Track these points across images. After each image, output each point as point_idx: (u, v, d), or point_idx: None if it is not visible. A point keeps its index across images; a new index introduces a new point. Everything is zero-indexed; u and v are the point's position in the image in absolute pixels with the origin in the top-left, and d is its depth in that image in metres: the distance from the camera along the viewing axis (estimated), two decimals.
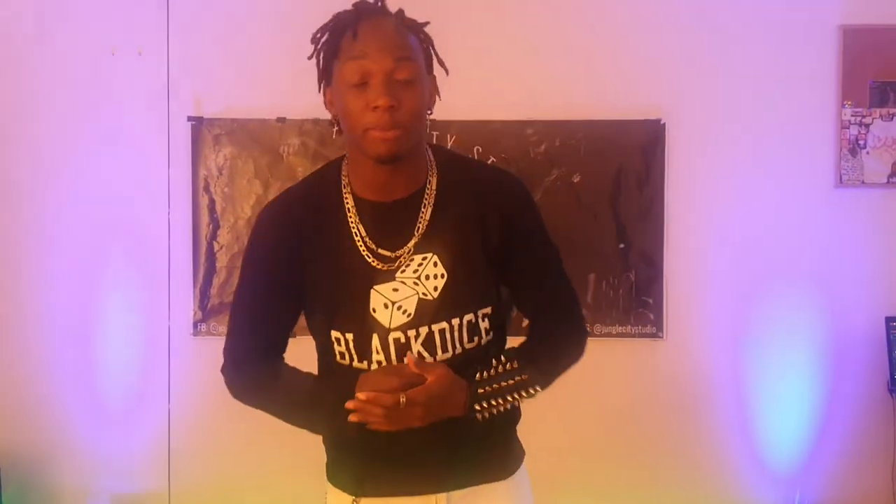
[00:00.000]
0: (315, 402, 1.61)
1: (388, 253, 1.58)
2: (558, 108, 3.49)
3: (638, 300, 3.56)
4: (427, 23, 1.60)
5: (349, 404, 1.49)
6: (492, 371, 1.55)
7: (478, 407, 1.54)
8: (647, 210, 3.54)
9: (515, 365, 1.55)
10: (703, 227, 3.59)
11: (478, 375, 1.55)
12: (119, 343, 3.56)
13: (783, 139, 3.57)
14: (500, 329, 1.67)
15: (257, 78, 3.55)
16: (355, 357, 1.59)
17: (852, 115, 3.55)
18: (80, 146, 3.56)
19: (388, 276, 1.58)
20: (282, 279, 1.62)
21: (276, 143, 3.54)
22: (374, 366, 1.58)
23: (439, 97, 1.63)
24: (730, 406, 3.59)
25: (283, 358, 1.68)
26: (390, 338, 1.58)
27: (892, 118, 3.55)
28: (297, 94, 3.46)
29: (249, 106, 3.55)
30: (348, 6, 1.56)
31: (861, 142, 3.55)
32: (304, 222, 1.61)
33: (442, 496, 1.66)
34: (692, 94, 3.56)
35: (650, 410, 3.59)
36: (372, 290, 1.58)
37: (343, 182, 1.62)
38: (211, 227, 3.55)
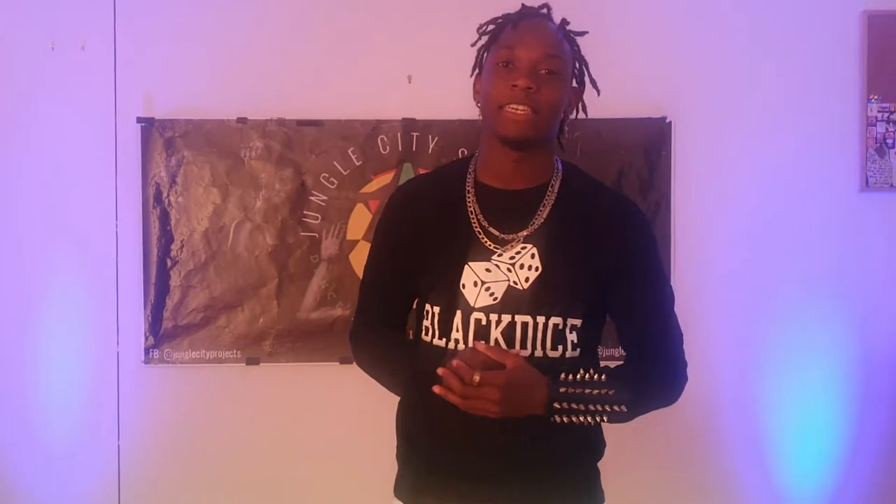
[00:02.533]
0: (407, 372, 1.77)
1: (497, 233, 1.71)
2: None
3: None
4: (586, 32, 1.80)
5: (439, 371, 1.55)
6: (577, 375, 1.57)
7: (557, 406, 1.57)
8: (652, 215, 3.25)
9: (604, 378, 1.58)
10: (713, 233, 3.33)
11: (562, 376, 1.58)
12: (61, 373, 3.22)
13: (802, 138, 3.32)
14: (587, 352, 1.75)
15: (215, 74, 3.25)
16: (437, 333, 1.71)
17: (879, 111, 3.29)
18: (15, 152, 3.23)
19: (485, 256, 1.69)
20: (402, 256, 1.79)
21: (236, 147, 3.22)
22: (452, 344, 1.68)
23: (585, 113, 1.87)
24: (743, 432, 3.35)
25: (405, 331, 1.86)
26: (472, 318, 1.68)
27: None
28: (260, 92, 3.25)
29: (206, 105, 3.23)
30: None
31: (889, 140, 3.30)
32: (425, 201, 1.79)
33: None
34: (701, 90, 3.31)
35: (656, 438, 3.30)
36: (466, 266, 1.69)
37: (469, 169, 1.79)
38: (163, 241, 3.20)
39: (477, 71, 1.81)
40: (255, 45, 3.24)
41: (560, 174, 1.77)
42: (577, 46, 1.79)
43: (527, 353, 1.66)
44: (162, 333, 3.20)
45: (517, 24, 1.71)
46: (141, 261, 3.22)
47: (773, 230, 3.32)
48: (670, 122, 3.27)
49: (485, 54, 1.79)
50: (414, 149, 3.18)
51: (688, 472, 3.34)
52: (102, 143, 3.22)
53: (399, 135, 3.19)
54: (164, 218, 3.20)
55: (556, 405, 1.56)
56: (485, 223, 1.71)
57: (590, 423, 1.58)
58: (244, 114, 3.22)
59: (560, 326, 1.67)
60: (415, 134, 3.17)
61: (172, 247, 3.20)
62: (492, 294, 1.67)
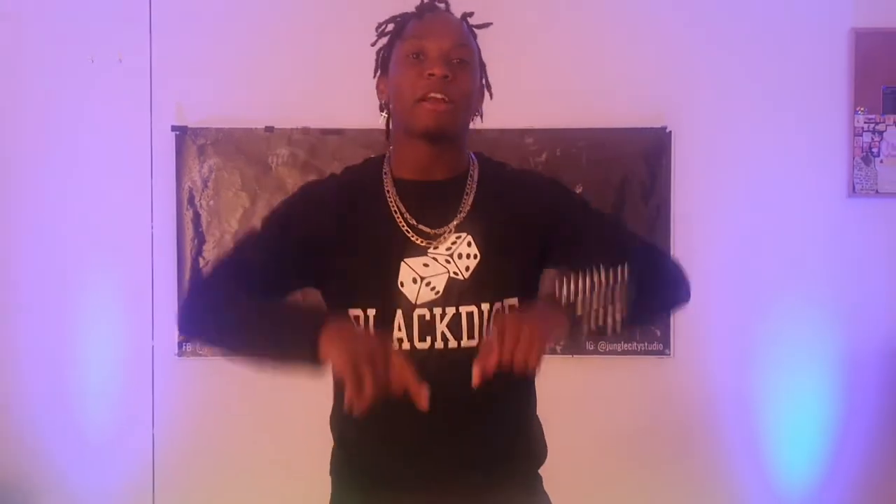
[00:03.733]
0: (305, 307, 1.53)
1: (427, 229, 1.61)
2: (558, 115, 3.37)
3: None
4: (489, 23, 1.70)
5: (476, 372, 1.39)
6: (573, 280, 1.45)
7: (580, 313, 1.45)
8: (652, 222, 3.42)
9: (586, 280, 1.46)
10: (710, 238, 3.47)
11: (558, 291, 1.47)
12: (100, 366, 3.41)
13: (794, 147, 3.47)
14: None
15: (244, 85, 3.42)
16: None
17: (865, 122, 3.45)
18: (57, 158, 3.41)
19: (420, 251, 1.60)
20: (300, 253, 1.61)
21: (263, 154, 3.40)
22: (396, 345, 1.56)
23: (480, 118, 1.72)
24: (739, 426, 3.48)
25: None
26: (415, 314, 1.58)
27: None
28: (287, 102, 3.45)
29: (236, 114, 3.41)
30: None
31: (874, 150, 3.45)
32: (338, 202, 1.64)
33: None
34: (699, 100, 3.45)
35: (657, 429, 3.47)
36: (402, 263, 1.59)
37: (384, 168, 1.67)
38: (196, 241, 3.40)
39: (379, 71, 1.73)
40: (282, 59, 3.41)
41: (476, 163, 1.70)
42: (478, 44, 1.69)
43: (475, 342, 1.57)
44: None
45: (421, 17, 1.64)
46: (175, 260, 3.41)
47: (766, 233, 3.46)
48: (670, 132, 3.42)
49: (385, 53, 1.71)
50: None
51: (683, 462, 3.47)
52: (139, 149, 3.41)
53: None
54: (197, 220, 3.40)
55: (577, 313, 1.46)
56: (412, 220, 1.61)
57: (621, 318, 1.47)
58: (271, 123, 3.40)
59: (500, 309, 1.59)
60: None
61: (204, 247, 3.40)
62: (433, 288, 1.58)
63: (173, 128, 3.40)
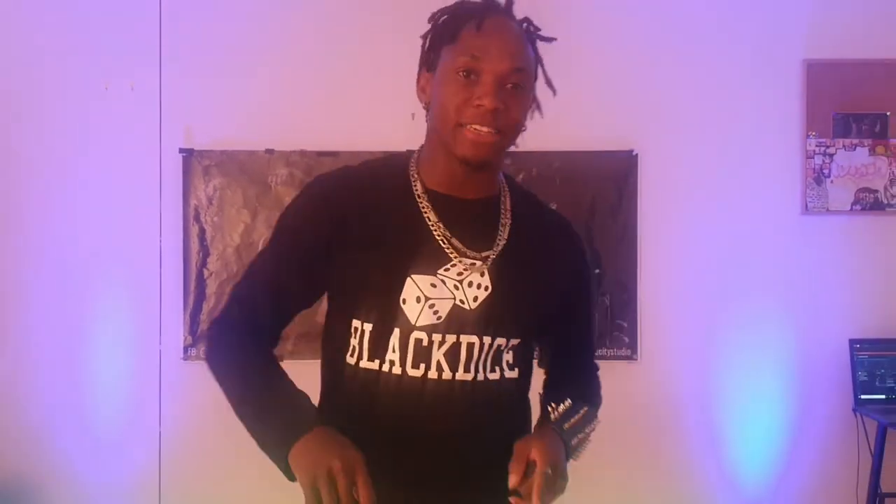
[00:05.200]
0: (294, 406, 1.43)
1: (461, 246, 1.49)
2: (535, 139, 3.46)
3: (613, 324, 3.69)
4: (554, 38, 1.56)
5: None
6: (560, 407, 1.47)
7: (574, 442, 1.46)
8: (620, 237, 3.68)
9: (569, 402, 1.49)
10: (674, 253, 3.71)
11: (552, 415, 1.47)
12: (110, 369, 3.64)
13: (751, 168, 3.71)
14: (523, 371, 1.57)
15: (246, 111, 3.67)
16: (367, 354, 1.47)
17: (817, 146, 3.70)
18: (75, 176, 3.66)
19: (431, 269, 1.46)
20: (315, 259, 1.50)
21: (264, 174, 3.66)
22: (386, 367, 1.46)
23: (540, 113, 1.58)
24: (701, 426, 3.71)
25: (273, 349, 1.58)
26: (412, 337, 1.45)
27: (854, 148, 3.70)
28: (285, 127, 3.71)
29: (239, 138, 3.66)
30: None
31: (825, 171, 3.70)
32: (354, 200, 1.50)
33: None
34: (663, 126, 3.69)
35: (624, 430, 3.63)
36: (409, 278, 1.45)
37: (411, 171, 1.53)
38: (201, 254, 3.66)
39: (424, 68, 1.53)
40: (281, 87, 3.67)
41: (506, 188, 1.58)
42: (536, 46, 1.55)
43: (469, 376, 1.47)
44: (199, 334, 3.65)
45: (480, 24, 1.43)
46: (181, 271, 3.66)
47: (726, 248, 3.70)
48: (636, 155, 3.67)
49: (434, 52, 1.50)
50: None
51: (649, 459, 3.69)
52: (149, 169, 3.66)
53: None
54: (202, 235, 3.66)
55: (573, 442, 1.46)
56: (447, 234, 1.48)
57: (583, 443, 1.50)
58: (271, 145, 3.65)
59: (502, 347, 1.50)
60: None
61: (209, 260, 3.66)
62: (436, 312, 1.45)
63: (181, 150, 3.66)
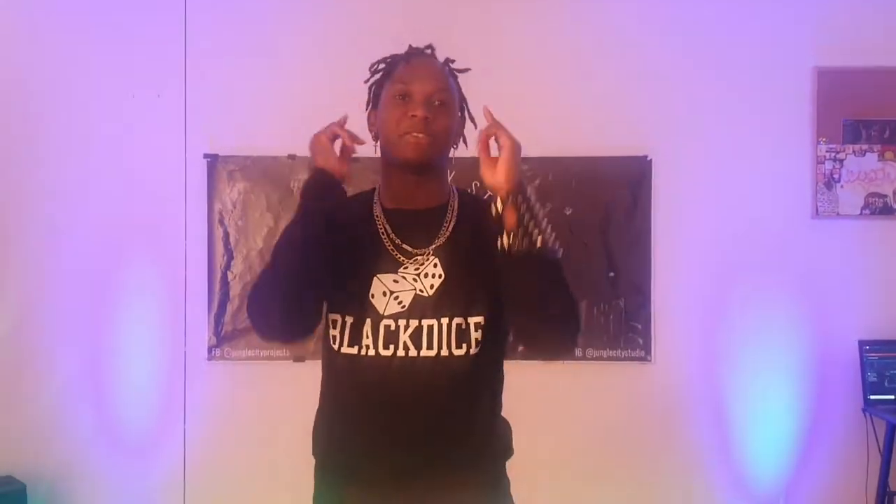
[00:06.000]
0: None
1: (409, 248, 1.77)
2: (552, 145, 3.65)
3: (627, 325, 3.77)
4: (468, 69, 1.88)
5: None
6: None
7: (521, 198, 1.63)
8: (635, 240, 3.76)
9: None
10: (687, 256, 3.78)
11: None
12: (138, 368, 3.74)
13: (763, 174, 3.78)
14: (493, 348, 1.77)
15: (269, 118, 3.76)
16: (346, 341, 1.74)
17: (827, 151, 3.77)
18: (104, 182, 3.76)
19: (393, 268, 1.75)
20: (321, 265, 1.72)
21: (286, 179, 3.75)
22: (363, 350, 1.73)
23: (465, 144, 1.87)
24: (714, 426, 3.78)
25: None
26: (381, 324, 1.73)
27: (864, 154, 3.77)
28: (307, 133, 3.69)
29: (262, 144, 3.75)
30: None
31: (835, 176, 3.77)
32: (334, 222, 1.71)
33: None
34: (677, 132, 3.77)
35: (638, 430, 3.78)
36: (375, 278, 1.75)
37: (375, 199, 1.84)
38: (225, 257, 3.76)
39: (370, 106, 1.87)
40: (302, 94, 3.74)
41: (456, 195, 1.84)
42: (457, 81, 1.85)
43: (433, 352, 1.71)
44: (223, 335, 3.75)
45: (409, 61, 1.79)
46: (206, 273, 3.76)
47: (738, 251, 3.77)
48: (650, 160, 3.75)
49: (376, 91, 1.85)
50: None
51: (662, 458, 3.76)
52: (175, 175, 3.76)
53: None
54: (226, 238, 3.76)
55: (521, 197, 1.63)
56: (397, 240, 1.77)
57: (540, 234, 1.63)
58: (293, 151, 3.74)
59: (463, 326, 1.72)
60: None
61: (232, 262, 3.76)
62: (399, 302, 1.73)
63: (205, 156, 3.76)
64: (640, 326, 3.77)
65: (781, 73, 3.79)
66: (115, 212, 3.76)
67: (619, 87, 3.78)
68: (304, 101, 3.71)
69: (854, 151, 3.78)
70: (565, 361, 3.62)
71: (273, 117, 3.77)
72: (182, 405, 3.76)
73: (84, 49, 3.77)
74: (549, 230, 1.66)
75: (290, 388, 3.71)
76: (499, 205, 1.64)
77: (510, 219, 1.62)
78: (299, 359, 3.72)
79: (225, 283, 3.76)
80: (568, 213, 3.74)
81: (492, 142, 1.71)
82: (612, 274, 3.75)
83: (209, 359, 3.76)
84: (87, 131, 3.76)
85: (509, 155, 1.65)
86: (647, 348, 3.77)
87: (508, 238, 1.63)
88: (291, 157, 3.75)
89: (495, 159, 1.67)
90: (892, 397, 3.65)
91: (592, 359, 3.74)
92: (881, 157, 3.78)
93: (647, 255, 3.76)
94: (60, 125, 3.77)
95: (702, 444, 3.78)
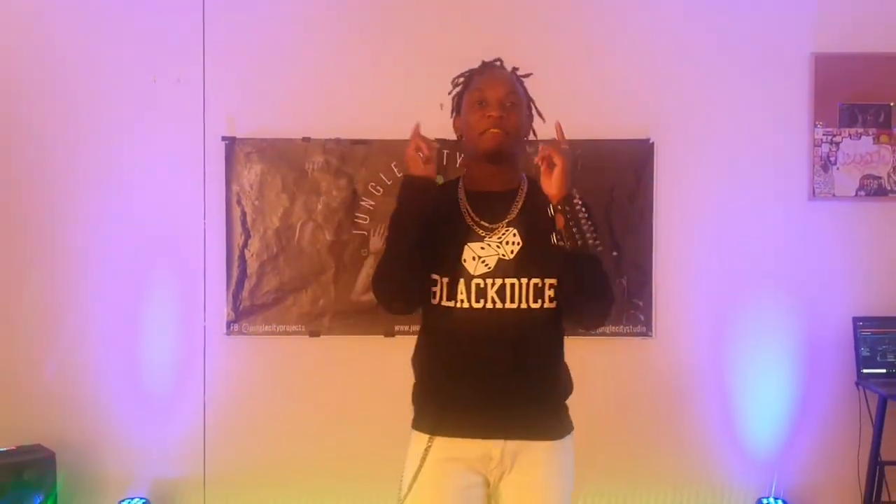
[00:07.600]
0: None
1: (486, 223, 2.16)
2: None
3: (629, 303, 3.90)
4: (530, 74, 2.27)
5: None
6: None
7: (568, 207, 2.00)
8: (637, 221, 3.87)
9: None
10: (688, 236, 3.90)
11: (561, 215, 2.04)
12: (160, 342, 3.88)
13: (761, 156, 3.89)
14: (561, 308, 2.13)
15: (285, 101, 3.88)
16: (445, 296, 2.12)
17: (823, 135, 3.88)
18: (125, 164, 3.88)
19: (479, 239, 2.14)
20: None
21: (301, 161, 3.87)
22: (459, 304, 2.11)
23: (534, 134, 2.26)
24: (713, 398, 3.90)
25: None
26: (472, 283, 2.11)
27: (859, 137, 3.88)
28: (321, 116, 3.94)
29: (278, 127, 3.87)
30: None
31: (832, 159, 3.88)
32: (436, 202, 2.15)
33: (500, 442, 2.11)
34: (678, 116, 3.88)
35: (641, 402, 3.91)
36: (465, 246, 2.14)
37: (459, 185, 2.24)
38: (243, 237, 3.88)
39: (455, 113, 2.26)
40: (317, 79, 3.88)
41: (525, 181, 2.22)
42: (525, 87, 2.24)
43: (515, 305, 2.09)
44: (241, 311, 3.88)
45: (483, 73, 2.20)
46: (224, 253, 3.88)
47: (737, 231, 3.89)
48: (653, 143, 3.86)
49: (458, 100, 2.24)
50: (444, 163, 3.78)
51: (664, 428, 3.90)
52: (193, 157, 3.88)
53: None
54: (244, 218, 3.88)
55: (568, 206, 1.99)
56: (476, 217, 2.16)
57: (581, 237, 1.99)
58: (308, 134, 3.86)
59: (539, 285, 2.11)
60: (445, 151, 3.75)
61: (250, 241, 3.88)
62: (486, 264, 2.11)
63: (223, 138, 3.87)
64: (641, 303, 3.90)
65: (780, 59, 3.89)
66: (136, 194, 3.88)
67: (622, 72, 3.88)
68: (319, 86, 3.89)
69: (850, 135, 3.88)
70: (569, 337, 3.77)
71: (288, 101, 3.88)
72: (202, 378, 3.90)
73: (107, 36, 3.89)
74: (590, 234, 2.01)
75: (305, 360, 3.91)
76: (551, 210, 2.02)
77: (559, 221, 2.01)
78: (314, 334, 3.86)
79: (242, 262, 3.88)
80: (575, 198, 3.81)
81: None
82: (615, 253, 3.86)
83: (227, 333, 3.89)
84: (110, 115, 3.88)
85: (560, 172, 2.01)
86: (648, 324, 3.90)
87: (558, 235, 2.02)
88: (306, 139, 3.86)
89: (551, 172, 2.01)
90: (884, 371, 3.78)
91: (595, 334, 3.79)
92: (876, 140, 3.89)
93: (649, 235, 3.87)
94: (84, 110, 3.88)
95: (701, 414, 3.90)
